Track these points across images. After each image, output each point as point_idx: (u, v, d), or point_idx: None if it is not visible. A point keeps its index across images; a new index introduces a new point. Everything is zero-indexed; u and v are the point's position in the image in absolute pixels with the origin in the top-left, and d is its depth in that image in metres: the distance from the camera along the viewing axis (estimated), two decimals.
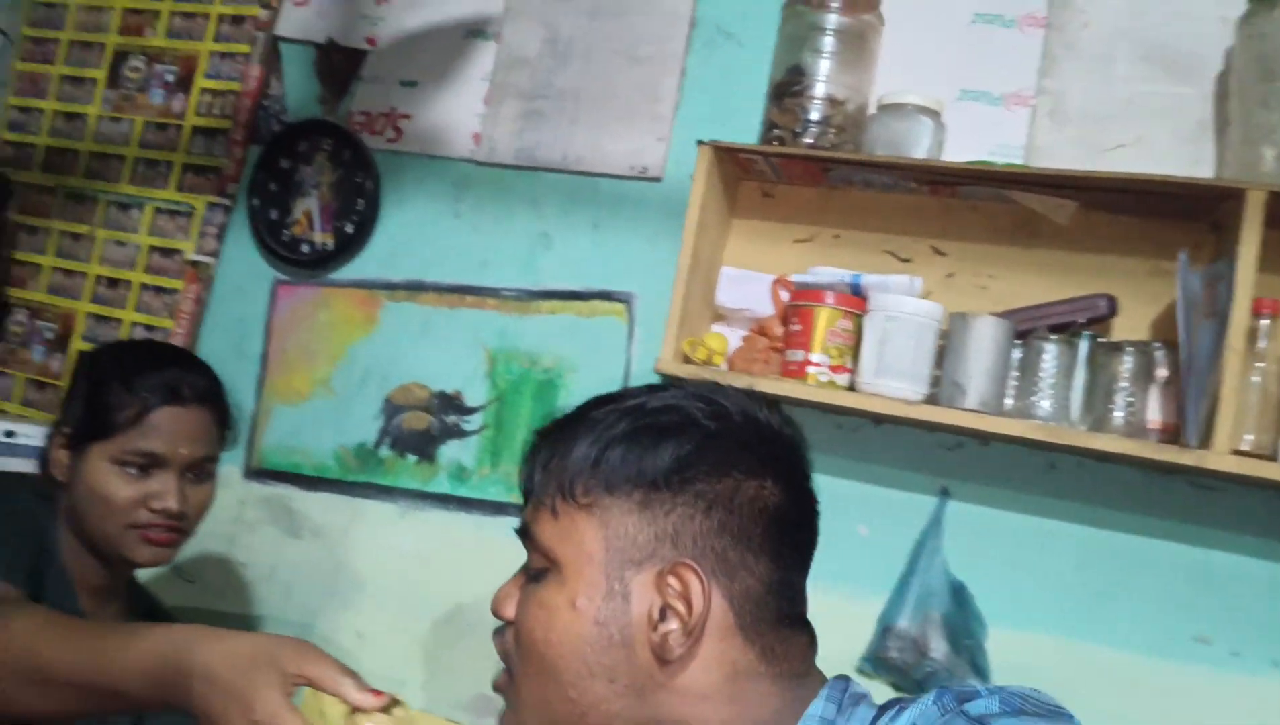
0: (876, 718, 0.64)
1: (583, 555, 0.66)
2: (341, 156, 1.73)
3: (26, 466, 1.63)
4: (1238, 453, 1.16)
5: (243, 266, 1.80)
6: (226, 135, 1.81)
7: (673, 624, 0.64)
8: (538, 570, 0.68)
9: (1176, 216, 1.30)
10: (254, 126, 1.80)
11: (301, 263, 1.75)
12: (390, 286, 1.71)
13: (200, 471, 1.23)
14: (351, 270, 1.74)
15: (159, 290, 1.84)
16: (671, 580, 0.65)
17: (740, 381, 1.31)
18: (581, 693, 0.65)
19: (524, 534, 0.70)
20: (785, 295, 1.38)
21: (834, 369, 1.31)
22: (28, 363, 1.93)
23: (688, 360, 1.37)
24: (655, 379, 1.51)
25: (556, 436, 0.70)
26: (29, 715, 0.87)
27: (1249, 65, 1.24)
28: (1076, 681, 1.29)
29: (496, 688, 0.71)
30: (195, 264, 1.81)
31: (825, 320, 1.30)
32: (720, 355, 1.40)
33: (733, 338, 1.45)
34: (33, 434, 1.72)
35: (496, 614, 0.71)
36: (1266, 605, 1.25)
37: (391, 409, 1.70)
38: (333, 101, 1.75)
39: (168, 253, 1.84)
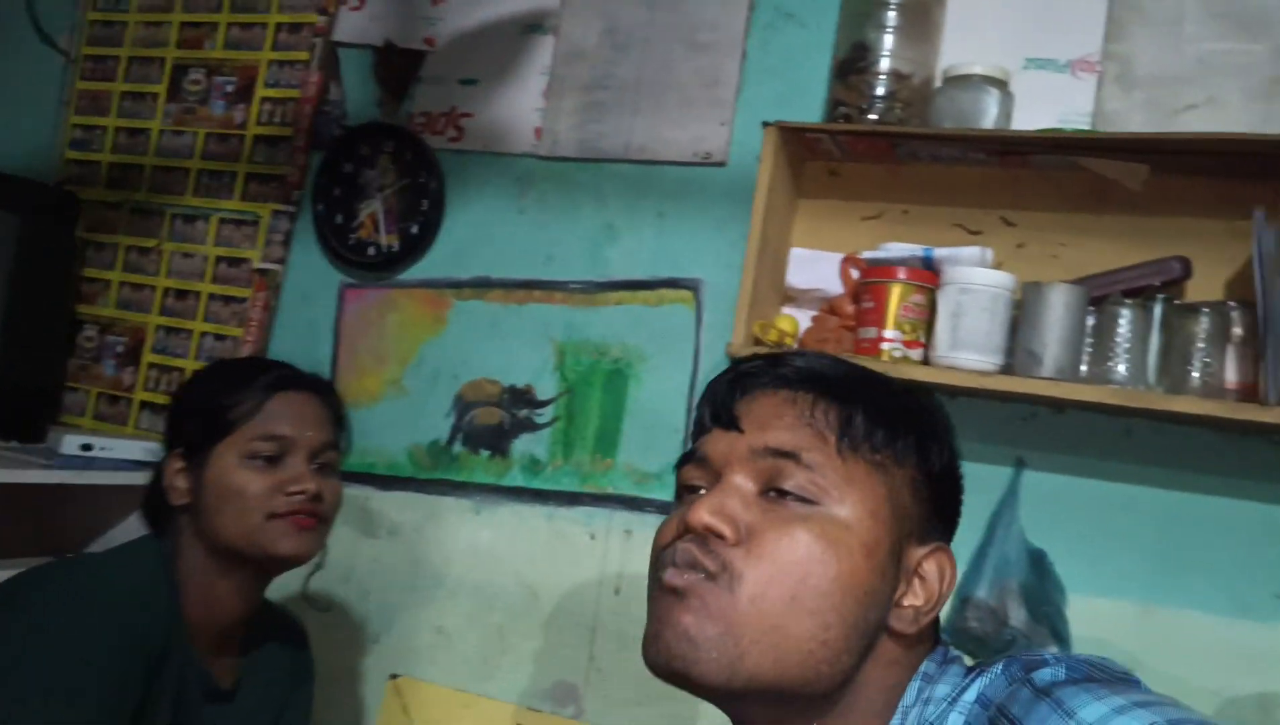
0: (963, 677, 0.72)
1: (871, 508, 0.71)
2: (404, 158, 1.84)
3: (103, 479, 1.77)
4: None
5: (309, 272, 1.92)
6: (288, 143, 1.94)
7: (915, 601, 0.72)
8: (794, 499, 0.70)
9: (1250, 175, 1.36)
10: (315, 133, 1.93)
11: (368, 266, 1.87)
12: (457, 285, 1.82)
13: (325, 463, 1.27)
14: (418, 271, 1.85)
15: (227, 300, 1.97)
16: (929, 564, 0.73)
17: None
18: (837, 635, 0.68)
19: (786, 455, 0.71)
20: (856, 273, 1.47)
21: (908, 344, 1.39)
22: (99, 377, 2.07)
23: (759, 343, 1.46)
24: (725, 364, 1.60)
25: (843, 387, 0.74)
26: None
27: None
28: (1158, 645, 1.36)
29: (681, 585, 0.69)
30: (262, 272, 1.94)
31: (898, 296, 1.38)
32: (791, 336, 1.49)
33: (802, 319, 1.54)
34: (109, 446, 1.86)
35: (714, 529, 0.69)
36: None
37: (463, 406, 1.81)
38: (393, 104, 1.87)
39: (235, 262, 1.97)
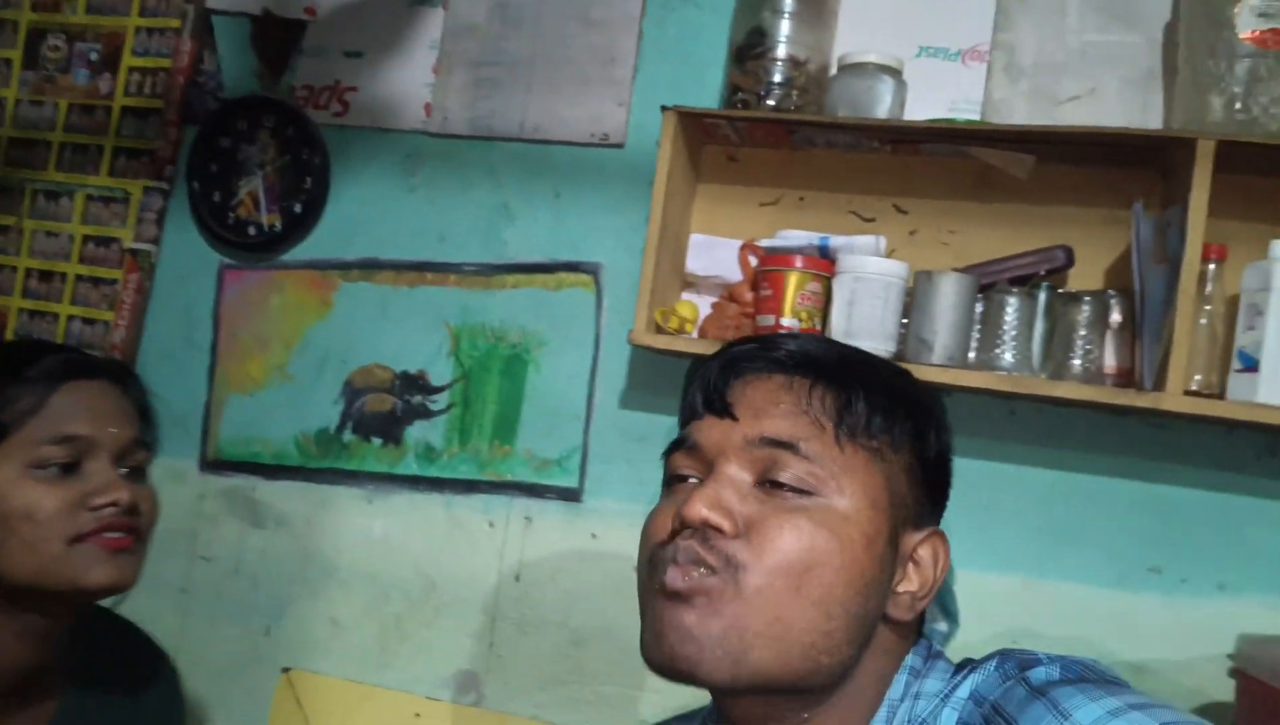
0: (953, 675, 0.72)
1: (871, 498, 0.70)
2: (285, 133, 1.78)
3: None
4: (1189, 393, 1.31)
5: (186, 252, 1.85)
6: (159, 115, 1.85)
7: (911, 587, 0.73)
8: (792, 490, 0.69)
9: (1129, 165, 1.42)
10: (188, 105, 1.84)
11: (249, 246, 1.81)
12: (344, 266, 1.78)
13: (135, 465, 1.05)
14: (302, 251, 1.80)
15: (96, 281, 1.88)
16: (924, 550, 0.73)
17: (715, 349, 1.42)
18: (839, 627, 0.68)
19: (783, 445, 0.70)
20: (754, 260, 1.49)
21: (805, 332, 1.42)
22: None
23: (660, 330, 1.47)
24: (627, 350, 1.62)
25: (839, 370, 0.73)
26: None
27: (1196, 14, 1.37)
28: (1040, 616, 1.44)
29: (684, 588, 0.68)
30: (134, 252, 1.85)
31: (795, 284, 1.41)
32: (692, 323, 1.50)
33: (702, 305, 1.55)
34: None
35: (712, 522, 0.69)
36: (1212, 533, 1.41)
37: (352, 392, 1.77)
38: (272, 76, 1.80)
39: (104, 241, 1.88)
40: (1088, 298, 1.36)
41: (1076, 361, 1.36)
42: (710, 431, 0.73)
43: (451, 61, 1.73)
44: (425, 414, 1.73)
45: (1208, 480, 1.43)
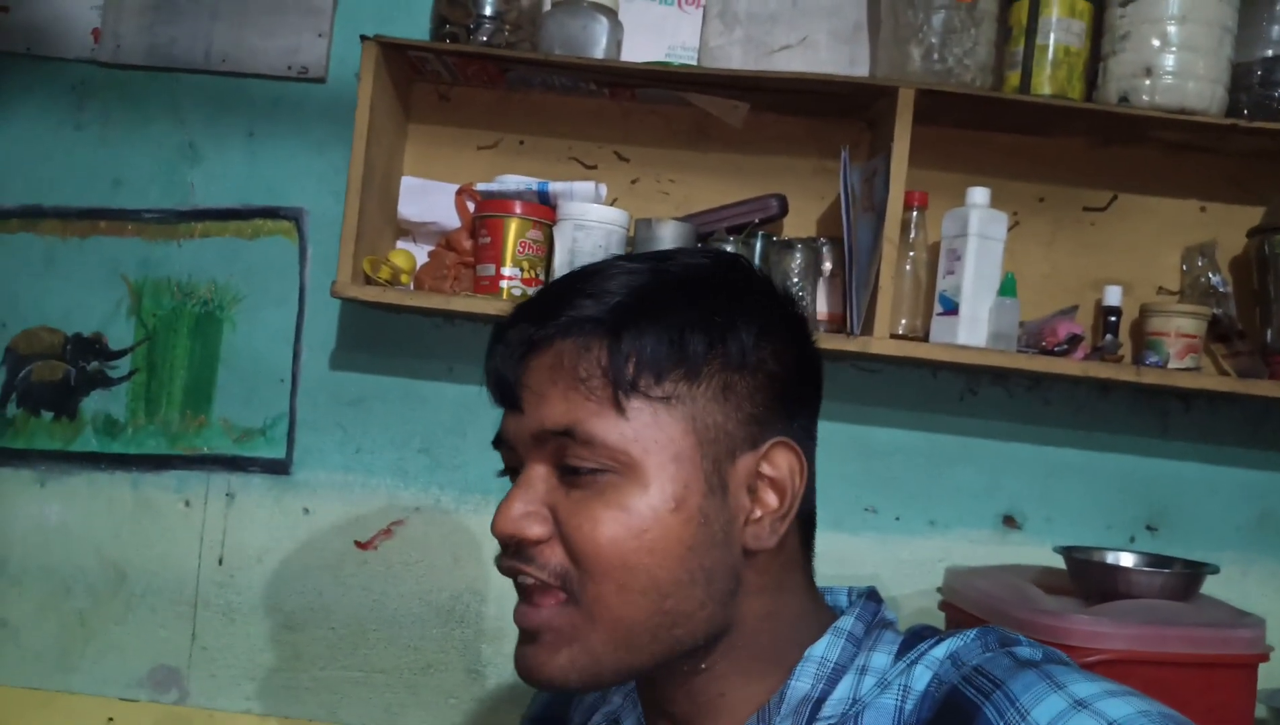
0: (905, 646, 0.69)
1: (671, 453, 0.65)
2: None
3: None
4: (895, 336, 1.39)
5: None
6: None
7: (768, 507, 0.67)
8: (587, 474, 0.65)
9: (837, 115, 1.48)
10: None
11: None
12: (0, 215, 1.58)
13: None
14: None
15: None
16: (771, 465, 0.67)
17: (431, 301, 1.37)
18: (679, 602, 0.65)
19: (562, 433, 0.66)
20: (471, 206, 1.44)
21: (526, 282, 1.39)
22: None
23: (369, 281, 1.40)
24: (337, 305, 1.53)
25: (609, 323, 0.66)
26: None
27: None
28: None
29: (532, 627, 0.67)
30: None
31: (515, 231, 1.37)
32: (407, 274, 1.43)
33: (419, 254, 1.49)
34: None
35: (518, 535, 0.66)
36: (921, 473, 1.51)
37: (15, 360, 1.59)
38: None
39: None
40: (800, 245, 1.41)
41: None
42: (509, 425, 0.70)
43: None
44: (104, 382, 1.57)
45: (915, 421, 1.52)
